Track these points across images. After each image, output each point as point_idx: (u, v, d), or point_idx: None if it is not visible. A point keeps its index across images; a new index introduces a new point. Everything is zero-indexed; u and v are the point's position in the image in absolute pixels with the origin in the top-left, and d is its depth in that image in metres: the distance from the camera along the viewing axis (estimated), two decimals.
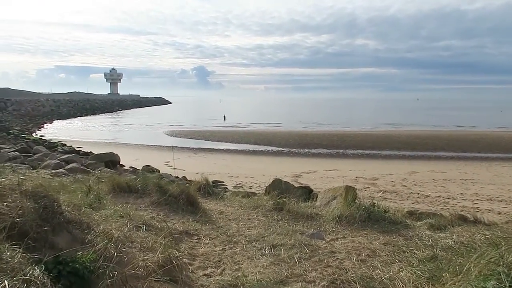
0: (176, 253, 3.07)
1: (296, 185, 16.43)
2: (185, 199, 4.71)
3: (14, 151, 14.43)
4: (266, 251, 3.49)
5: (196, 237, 3.78)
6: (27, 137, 35.76)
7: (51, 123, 57.78)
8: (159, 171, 16.95)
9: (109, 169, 10.59)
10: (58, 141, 34.73)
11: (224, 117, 71.61)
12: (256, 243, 3.72)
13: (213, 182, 17.06)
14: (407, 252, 3.77)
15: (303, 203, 6.40)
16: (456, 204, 13.76)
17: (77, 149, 29.39)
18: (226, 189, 15.28)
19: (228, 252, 3.47)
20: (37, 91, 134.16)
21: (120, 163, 21.32)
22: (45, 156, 12.25)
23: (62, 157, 11.95)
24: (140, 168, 18.16)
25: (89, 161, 12.05)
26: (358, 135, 42.74)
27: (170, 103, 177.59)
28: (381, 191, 15.82)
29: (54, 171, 8.92)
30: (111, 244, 2.58)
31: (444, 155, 28.96)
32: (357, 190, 15.48)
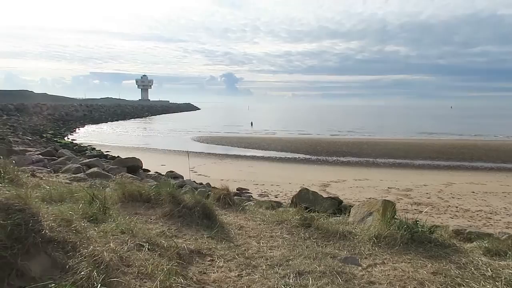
0: (181, 281, 2.53)
1: (324, 195, 15.69)
2: (200, 211, 4.18)
3: (38, 154, 14.48)
4: (291, 280, 2.90)
5: (209, 258, 3.22)
6: (58, 140, 36.61)
7: (83, 127, 59.32)
8: (182, 177, 16.63)
9: (130, 175, 10.28)
10: (88, 145, 35.39)
11: (252, 123, 71.41)
12: (279, 269, 3.12)
13: (237, 189, 16.59)
14: (463, 286, 3.09)
15: (334, 217, 5.75)
16: (500, 220, 12.65)
17: (105, 153, 29.76)
18: (251, 197, 14.75)
19: (245, 280, 2.89)
20: (72, 97, 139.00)
21: (146, 168, 21.24)
22: (68, 160, 12.12)
23: (84, 161, 11.76)
24: (165, 173, 17.94)
25: (111, 166, 11.80)
26: (389, 143, 41.31)
27: (199, 109, 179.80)
28: (415, 203, 14.84)
29: (74, 175, 8.65)
30: (94, 273, 2.08)
31: (482, 166, 27.32)
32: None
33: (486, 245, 4.13)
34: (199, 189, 11.78)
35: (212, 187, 16.51)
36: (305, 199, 9.78)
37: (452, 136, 52.01)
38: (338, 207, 9.80)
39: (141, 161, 13.55)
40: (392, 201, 13.94)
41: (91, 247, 2.37)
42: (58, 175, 9.01)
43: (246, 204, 5.93)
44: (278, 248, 3.62)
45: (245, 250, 3.52)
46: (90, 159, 12.50)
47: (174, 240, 3.31)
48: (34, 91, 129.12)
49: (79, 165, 10.15)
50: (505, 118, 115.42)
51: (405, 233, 3.97)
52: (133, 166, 12.01)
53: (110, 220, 3.49)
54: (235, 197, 12.52)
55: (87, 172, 9.54)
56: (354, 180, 19.75)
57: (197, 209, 4.19)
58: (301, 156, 31.45)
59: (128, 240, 2.93)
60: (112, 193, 4.77)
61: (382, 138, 49.02)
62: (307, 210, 4.82)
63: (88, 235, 2.61)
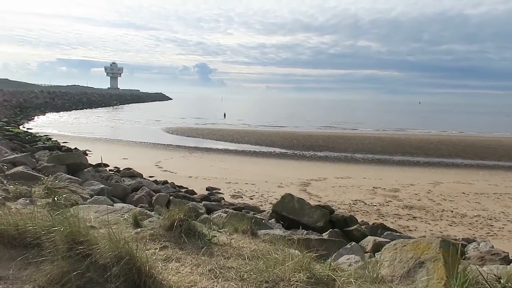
0: None
1: (305, 196, 13.91)
2: (123, 272, 2.21)
3: None
4: None
5: None
6: (10, 129, 33.20)
7: (43, 115, 55.36)
8: (141, 176, 14.38)
9: (69, 176, 8.07)
10: (45, 135, 32.26)
11: (224, 114, 69.22)
12: None
13: (207, 189, 14.55)
14: None
15: (345, 253, 3.88)
16: (503, 228, 11.26)
17: (62, 144, 26.99)
18: (223, 199, 12.78)
19: None
20: (37, 83, 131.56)
21: (105, 162, 18.79)
22: None
23: (8, 157, 9.39)
24: (121, 172, 15.60)
25: (45, 164, 9.45)
26: (365, 137, 40.31)
27: (171, 99, 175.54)
28: (406, 207, 13.30)
29: None
30: None
31: (463, 163, 26.47)
32: (378, 205, 12.94)
33: None
34: (158, 194, 9.69)
35: (178, 186, 14.44)
36: (289, 209, 7.92)
37: (424, 131, 51.79)
38: (330, 218, 8.01)
39: (85, 158, 11.17)
40: (379, 202, 12.19)
41: None
42: None
43: (214, 233, 3.95)
44: None
45: None
46: (16, 155, 10.10)
47: None
48: None
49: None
50: (471, 115, 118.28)
51: None
52: (74, 164, 9.69)
53: None
54: (203, 202, 10.51)
55: (8, 172, 7.30)
56: (336, 178, 18.11)
57: (117, 269, 2.19)
58: (277, 150, 29.66)
59: None
60: None
61: (357, 132, 48.13)
62: (316, 254, 2.91)
63: None
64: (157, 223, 3.81)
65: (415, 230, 10.72)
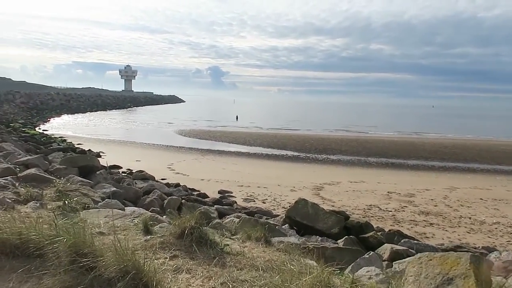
0: None
1: (318, 200, 13.69)
2: (130, 287, 2.07)
3: None
4: None
5: None
6: (26, 131, 33.67)
7: (58, 117, 56.10)
8: (153, 178, 14.31)
9: (80, 178, 8.00)
10: (60, 136, 32.67)
11: (237, 117, 69.21)
12: None
13: (220, 192, 14.43)
14: None
15: (364, 265, 3.68)
16: None
17: (77, 145, 27.23)
18: (235, 203, 12.63)
19: None
20: (53, 86, 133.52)
21: (118, 164, 18.87)
22: (5, 157, 9.75)
23: (21, 159, 9.40)
24: (133, 174, 15.59)
25: (57, 166, 9.43)
26: (379, 141, 39.81)
27: (184, 101, 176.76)
28: (422, 212, 12.95)
29: None
30: None
31: (479, 168, 25.83)
32: (393, 210, 12.63)
33: None
34: (170, 197, 9.59)
35: (190, 189, 14.35)
36: (303, 214, 7.73)
37: (438, 135, 50.88)
38: (345, 224, 7.78)
39: (97, 160, 11.11)
40: (394, 208, 11.88)
41: None
42: None
43: (226, 240, 3.80)
44: None
45: None
46: (29, 157, 10.12)
47: None
48: (12, 79, 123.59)
49: (10, 165, 7.84)
50: (485, 119, 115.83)
51: None
52: (86, 167, 9.64)
53: None
54: (215, 206, 10.37)
55: (20, 174, 7.27)
56: (349, 182, 17.81)
57: (122, 284, 2.05)
58: (289, 153, 29.44)
59: None
60: None
61: (370, 136, 47.61)
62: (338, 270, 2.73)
63: None
64: (168, 230, 3.67)
65: (432, 237, 10.40)
